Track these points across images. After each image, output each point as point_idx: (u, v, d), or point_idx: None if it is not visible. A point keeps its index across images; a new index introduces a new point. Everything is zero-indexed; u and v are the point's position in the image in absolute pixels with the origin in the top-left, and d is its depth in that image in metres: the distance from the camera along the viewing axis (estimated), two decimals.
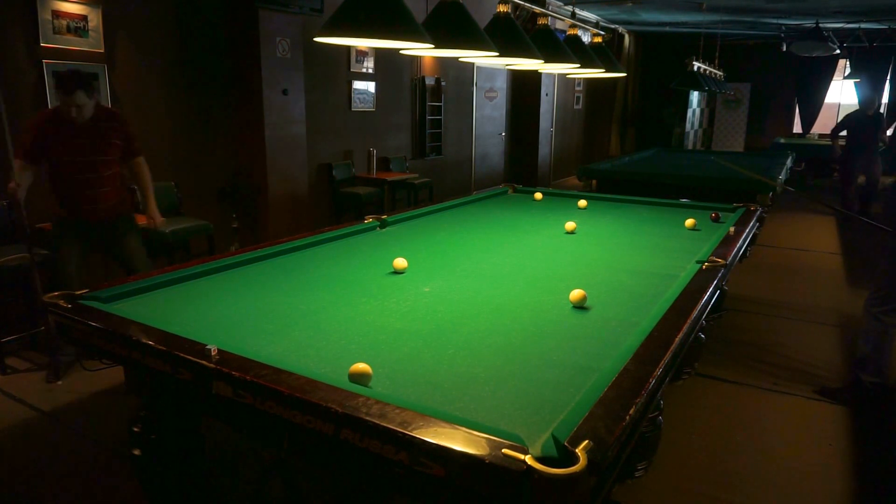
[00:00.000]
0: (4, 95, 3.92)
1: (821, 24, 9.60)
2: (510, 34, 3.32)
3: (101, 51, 4.40)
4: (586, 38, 7.32)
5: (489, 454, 1.16)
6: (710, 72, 8.79)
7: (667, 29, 12.39)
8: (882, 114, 9.01)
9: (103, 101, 4.42)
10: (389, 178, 6.86)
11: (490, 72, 9.37)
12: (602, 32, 5.40)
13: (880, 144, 8.10)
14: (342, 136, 6.70)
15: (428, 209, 3.98)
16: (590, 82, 12.61)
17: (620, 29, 12.37)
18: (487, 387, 1.59)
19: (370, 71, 6.95)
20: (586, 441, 1.19)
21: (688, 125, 13.39)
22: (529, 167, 10.50)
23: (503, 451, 1.16)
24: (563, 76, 10.88)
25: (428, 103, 7.90)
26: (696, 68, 8.01)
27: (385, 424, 1.26)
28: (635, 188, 5.48)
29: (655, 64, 13.79)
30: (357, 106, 6.82)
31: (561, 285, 2.42)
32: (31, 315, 3.90)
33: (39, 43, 4.06)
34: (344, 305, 2.20)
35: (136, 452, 2.00)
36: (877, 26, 10.62)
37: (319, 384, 1.43)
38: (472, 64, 8.37)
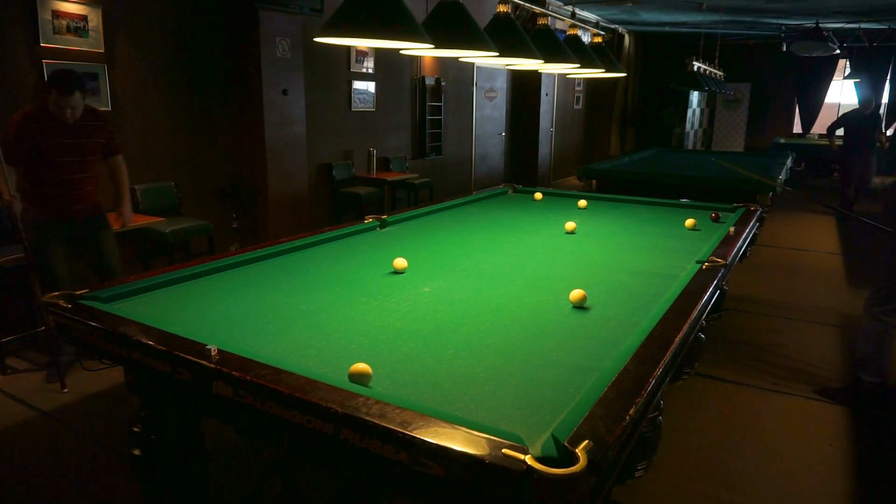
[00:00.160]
0: (4, 95, 3.94)
1: (821, 24, 9.59)
2: (510, 34, 3.32)
3: (101, 51, 4.40)
4: (586, 38, 7.32)
5: (489, 454, 1.16)
6: (710, 72, 8.78)
7: (667, 29, 12.39)
8: (879, 113, 9.02)
9: (103, 102, 4.43)
10: (389, 178, 6.86)
11: (490, 72, 9.36)
12: (602, 32, 5.40)
13: (878, 144, 8.11)
14: (342, 136, 6.70)
15: (428, 209, 3.98)
16: (590, 82, 12.61)
17: (620, 29, 12.38)
18: (487, 387, 1.59)
19: (370, 71, 6.95)
20: (586, 441, 1.19)
21: (688, 125, 13.39)
22: (529, 167, 10.50)
23: (503, 451, 1.16)
24: (563, 76, 10.89)
25: (428, 103, 7.90)
26: (696, 68, 8.00)
27: (385, 424, 1.26)
28: (635, 188, 5.48)
29: (655, 64, 13.79)
30: (357, 106, 6.82)
31: (561, 285, 2.42)
32: (31, 315, 3.90)
33: (39, 43, 4.06)
34: (344, 305, 2.20)
35: (136, 452, 2.01)
36: (877, 26, 10.63)
37: (319, 384, 1.43)
38: (472, 64, 8.37)
